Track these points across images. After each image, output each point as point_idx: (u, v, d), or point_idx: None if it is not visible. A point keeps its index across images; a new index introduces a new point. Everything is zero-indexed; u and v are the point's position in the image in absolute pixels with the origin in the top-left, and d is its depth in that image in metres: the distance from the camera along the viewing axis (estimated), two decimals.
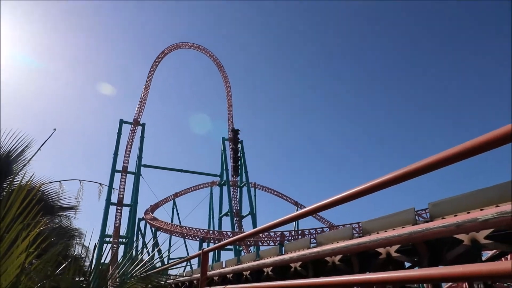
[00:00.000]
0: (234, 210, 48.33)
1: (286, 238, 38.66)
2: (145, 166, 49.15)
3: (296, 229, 42.46)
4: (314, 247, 5.00)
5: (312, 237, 31.84)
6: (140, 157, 48.46)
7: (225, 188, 50.99)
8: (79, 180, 6.83)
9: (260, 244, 40.05)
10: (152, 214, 49.00)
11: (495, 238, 2.99)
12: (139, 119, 50.71)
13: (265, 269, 6.16)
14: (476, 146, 1.27)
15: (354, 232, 4.84)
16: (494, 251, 3.77)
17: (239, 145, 52.01)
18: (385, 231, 3.64)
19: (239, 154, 51.19)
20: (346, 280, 2.65)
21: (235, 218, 47.67)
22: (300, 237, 37.70)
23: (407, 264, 3.99)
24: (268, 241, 39.67)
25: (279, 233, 39.67)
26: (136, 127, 50.26)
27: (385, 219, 3.83)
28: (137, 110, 51.25)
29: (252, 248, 41.41)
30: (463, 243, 3.14)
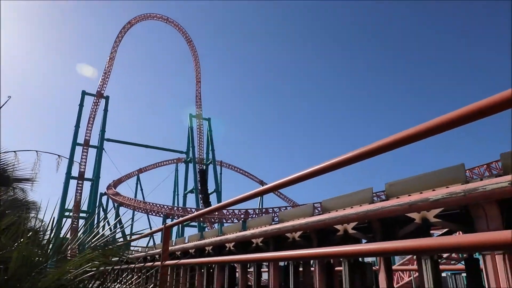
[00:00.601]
0: (199, 188, 48.30)
1: (250, 216, 39.30)
2: (109, 140, 47.73)
3: (260, 207, 43.20)
4: (276, 223, 5.11)
5: (275, 215, 32.55)
6: (103, 130, 46.94)
7: (190, 165, 50.68)
8: (36, 151, 6.53)
9: (224, 221, 40.50)
10: (115, 189, 48.06)
11: (444, 217, 3.18)
12: (102, 91, 48.79)
13: (227, 245, 6.25)
14: (477, 111, 1.24)
15: (316, 211, 4.98)
16: (444, 230, 4.01)
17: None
18: (344, 209, 3.78)
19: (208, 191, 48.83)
20: (305, 254, 2.74)
21: (200, 195, 47.70)
22: (263, 215, 38.40)
23: (363, 241, 4.18)
24: (232, 219, 40.20)
25: (243, 210, 40.25)
26: (100, 100, 48.39)
27: (344, 198, 3.96)
28: (100, 82, 49.22)
29: (216, 225, 41.80)
30: (414, 221, 3.32)
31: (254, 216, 39.27)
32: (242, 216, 39.80)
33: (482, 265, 2.97)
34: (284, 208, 41.10)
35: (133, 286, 3.39)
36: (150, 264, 6.74)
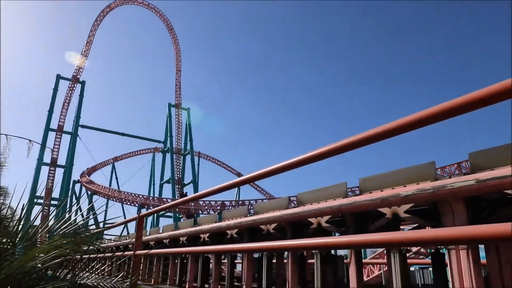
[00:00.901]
0: (176, 178, 47.86)
1: (226, 208, 39.31)
2: (83, 126, 46.50)
3: (237, 199, 43.26)
4: (251, 215, 5.14)
5: (251, 207, 32.64)
6: (78, 116, 45.67)
7: (168, 155, 50.08)
8: (6, 135, 6.29)
9: (200, 212, 40.37)
10: (89, 177, 47.00)
11: (413, 213, 3.28)
12: (78, 76, 47.35)
13: (202, 235, 6.24)
14: (475, 100, 1.21)
15: (293, 204, 5.03)
16: (414, 225, 4.13)
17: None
18: (318, 203, 3.83)
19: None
20: (279, 245, 2.76)
21: (177, 186, 47.30)
22: (240, 207, 38.45)
23: (336, 234, 4.25)
24: (208, 210, 40.09)
25: (220, 202, 40.21)
26: (75, 85, 46.96)
27: (319, 192, 4.02)
28: (76, 66, 47.71)
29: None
30: (385, 216, 3.41)
31: (230, 208, 39.31)
32: (219, 207, 39.75)
33: (447, 260, 3.09)
34: (261, 200, 41.31)
35: (104, 274, 3.34)
36: (120, 253, 6.66)
